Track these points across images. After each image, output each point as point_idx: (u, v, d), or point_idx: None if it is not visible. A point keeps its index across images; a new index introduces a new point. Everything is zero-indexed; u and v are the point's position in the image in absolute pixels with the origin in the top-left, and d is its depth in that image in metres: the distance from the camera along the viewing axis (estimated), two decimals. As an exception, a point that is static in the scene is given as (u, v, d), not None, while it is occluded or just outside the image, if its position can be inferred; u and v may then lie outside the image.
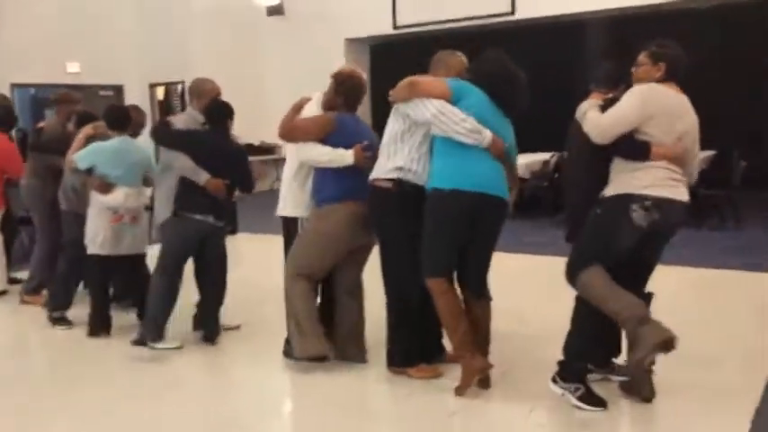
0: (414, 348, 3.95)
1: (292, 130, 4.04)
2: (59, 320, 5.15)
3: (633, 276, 3.52)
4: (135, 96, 11.89)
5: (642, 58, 3.60)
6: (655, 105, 3.44)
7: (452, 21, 11.26)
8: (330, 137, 3.96)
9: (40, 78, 11.47)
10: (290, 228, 4.22)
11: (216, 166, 4.43)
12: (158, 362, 4.36)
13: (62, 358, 4.69)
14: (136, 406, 3.78)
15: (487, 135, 3.54)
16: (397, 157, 3.76)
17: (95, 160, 4.78)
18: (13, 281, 6.32)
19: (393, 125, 3.82)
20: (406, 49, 10.74)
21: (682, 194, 3.46)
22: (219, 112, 4.55)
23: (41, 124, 6.09)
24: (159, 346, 4.39)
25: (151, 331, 4.38)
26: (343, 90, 4.10)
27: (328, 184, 3.99)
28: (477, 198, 3.56)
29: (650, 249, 3.54)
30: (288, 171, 4.22)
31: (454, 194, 3.55)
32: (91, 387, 4.07)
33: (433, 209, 3.62)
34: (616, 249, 3.42)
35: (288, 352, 4.21)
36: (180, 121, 4.81)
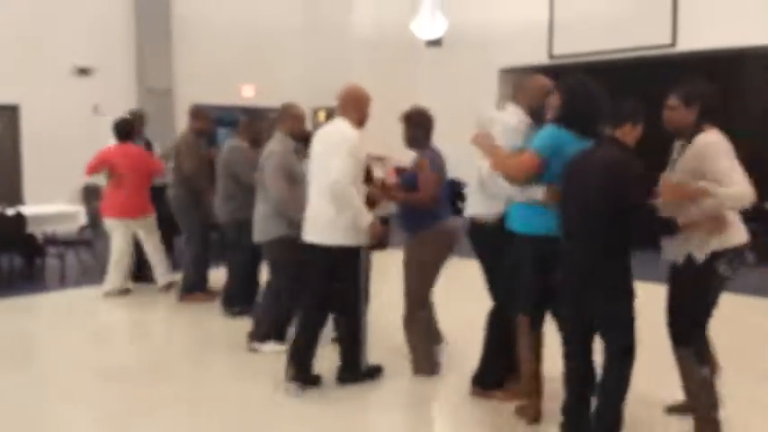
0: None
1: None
2: (240, 313, 5.98)
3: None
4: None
5: (672, 101, 3.26)
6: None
7: (610, 51, 11.13)
8: None
9: (218, 100, 12.46)
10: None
11: None
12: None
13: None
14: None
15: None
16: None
17: None
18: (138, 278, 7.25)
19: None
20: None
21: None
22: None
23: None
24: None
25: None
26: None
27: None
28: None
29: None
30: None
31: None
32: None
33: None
34: None
35: (343, 378, 4.45)
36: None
